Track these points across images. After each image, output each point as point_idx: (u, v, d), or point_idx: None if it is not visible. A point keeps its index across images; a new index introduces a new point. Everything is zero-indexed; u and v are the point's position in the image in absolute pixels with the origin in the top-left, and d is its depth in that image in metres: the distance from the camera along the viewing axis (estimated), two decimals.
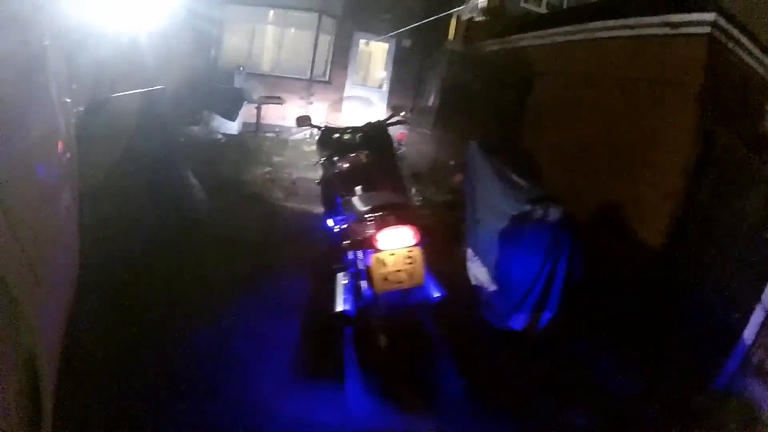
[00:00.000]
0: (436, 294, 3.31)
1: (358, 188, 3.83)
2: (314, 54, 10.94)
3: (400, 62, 11.43)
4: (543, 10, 10.18)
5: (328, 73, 11.32)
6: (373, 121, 4.78)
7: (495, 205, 4.57)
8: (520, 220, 4.14)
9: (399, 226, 3.08)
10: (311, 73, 11.09)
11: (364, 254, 3.19)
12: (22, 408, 1.15)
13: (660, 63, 5.04)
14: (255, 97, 10.45)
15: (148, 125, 6.18)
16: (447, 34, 10.27)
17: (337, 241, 3.91)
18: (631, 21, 5.49)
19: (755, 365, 3.79)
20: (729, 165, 4.54)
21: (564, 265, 3.97)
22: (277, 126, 11.00)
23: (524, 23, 8.57)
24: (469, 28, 9.78)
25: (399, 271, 3.07)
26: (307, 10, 10.91)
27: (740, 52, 5.17)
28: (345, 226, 3.78)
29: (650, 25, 5.24)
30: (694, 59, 4.69)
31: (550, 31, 7.12)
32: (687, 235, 4.71)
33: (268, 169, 7.80)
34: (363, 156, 4.29)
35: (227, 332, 3.32)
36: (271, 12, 11.13)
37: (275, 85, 11.00)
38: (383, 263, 3.05)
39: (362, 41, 11.37)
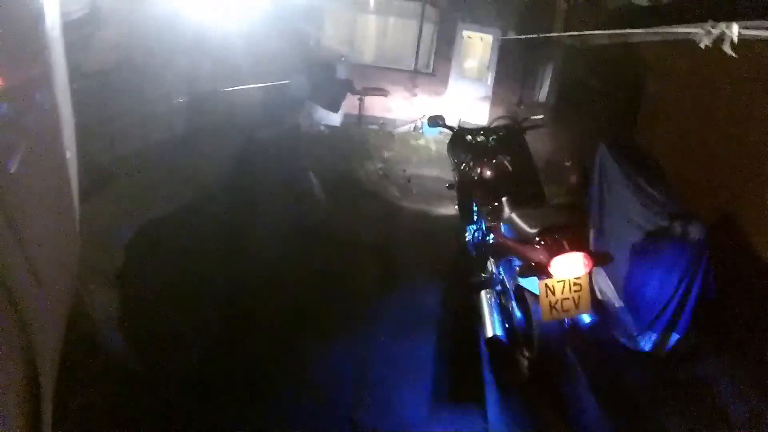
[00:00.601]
0: (588, 319, 3.22)
1: (504, 199, 3.74)
2: (418, 45, 10.83)
3: (504, 54, 11.10)
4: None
5: (431, 64, 11.17)
6: (507, 122, 4.69)
7: (631, 217, 4.35)
8: (657, 235, 3.96)
9: (573, 252, 2.87)
10: (415, 64, 10.99)
11: (538, 278, 2.96)
12: (22, 408, 1.17)
13: None
14: (358, 87, 10.51)
15: (262, 119, 6.41)
16: (553, 25, 9.89)
17: (477, 253, 3.89)
18: None
19: None
20: None
21: (699, 284, 3.81)
22: (381, 118, 11.05)
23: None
24: (574, 18, 9.37)
25: (566, 299, 2.90)
26: None
27: None
28: (490, 238, 3.75)
29: None
30: None
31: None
32: None
33: (380, 165, 7.80)
34: (506, 162, 4.17)
35: (362, 353, 3.36)
36: (373, 0, 11.11)
37: (378, 76, 11.02)
38: (552, 291, 2.88)
39: (466, 32, 11.12)
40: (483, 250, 4.03)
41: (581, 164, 5.59)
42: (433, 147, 9.45)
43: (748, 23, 3.03)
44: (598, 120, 7.28)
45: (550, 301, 2.87)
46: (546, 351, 3.05)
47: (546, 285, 2.86)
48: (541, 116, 4.67)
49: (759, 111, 4.70)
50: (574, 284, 2.90)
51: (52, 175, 1.55)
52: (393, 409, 2.92)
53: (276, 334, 3.34)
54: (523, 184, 4.02)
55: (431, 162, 8.35)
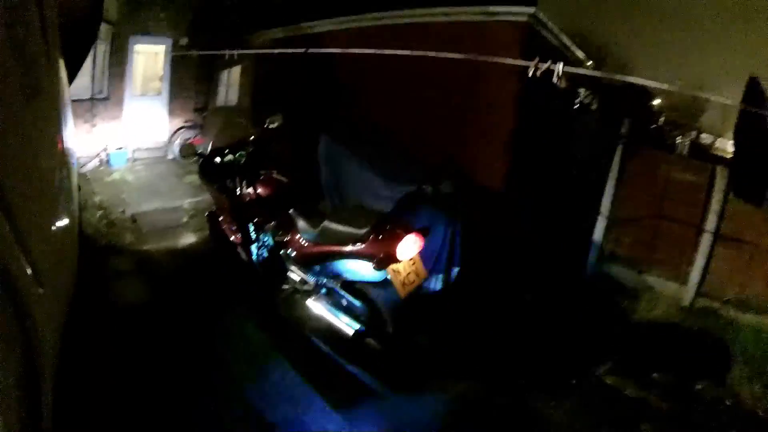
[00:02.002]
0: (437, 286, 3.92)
1: (291, 212, 4.09)
2: (93, 68, 10.02)
3: (179, 64, 10.99)
4: None
5: (105, 88, 10.40)
6: (253, 136, 4.78)
7: (378, 193, 5.21)
8: (411, 198, 4.89)
9: (409, 234, 3.41)
10: (92, 91, 10.12)
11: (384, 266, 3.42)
12: (22, 407, 1.19)
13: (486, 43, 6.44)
14: None
15: None
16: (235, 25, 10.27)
17: (266, 270, 4.17)
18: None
19: (605, 255, 6.33)
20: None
21: (459, 227, 4.92)
22: None
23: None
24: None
25: (409, 273, 3.49)
26: None
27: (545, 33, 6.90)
28: (290, 251, 4.04)
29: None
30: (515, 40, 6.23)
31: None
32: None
33: (99, 213, 7.02)
34: (278, 176, 4.49)
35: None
36: None
37: None
38: (398, 271, 3.43)
39: (137, 46, 10.62)
40: (276, 265, 4.26)
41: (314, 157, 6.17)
42: (131, 178, 9.07)
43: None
44: (306, 111, 7.97)
45: (401, 281, 3.46)
46: (399, 324, 3.62)
47: (394, 269, 3.44)
48: (279, 115, 4.86)
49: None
50: (410, 259, 3.53)
51: (53, 175, 1.54)
52: None
53: None
54: (300, 191, 4.44)
55: (141, 194, 8.03)
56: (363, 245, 3.48)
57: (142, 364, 3.43)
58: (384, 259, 3.40)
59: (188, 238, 6.17)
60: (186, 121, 11.16)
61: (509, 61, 4.74)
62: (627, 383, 4.38)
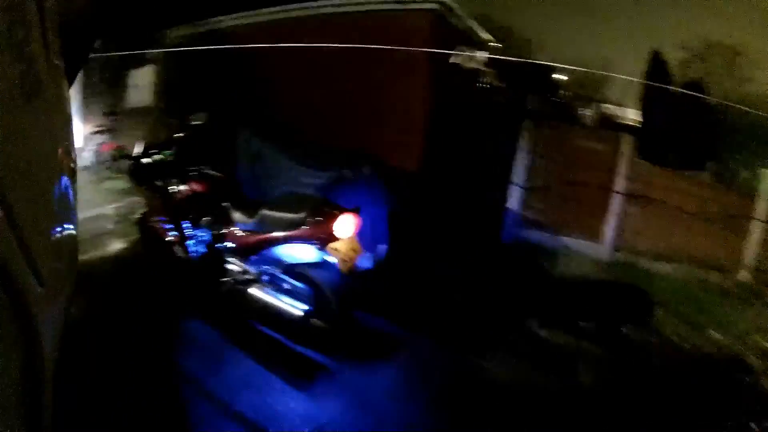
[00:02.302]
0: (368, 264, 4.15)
1: (226, 205, 4.24)
2: None
3: (86, 66, 10.71)
4: None
5: None
6: (178, 134, 4.79)
7: (300, 180, 5.49)
8: (332, 183, 5.25)
9: (345, 214, 3.71)
10: None
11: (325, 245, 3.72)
12: (22, 409, 1.19)
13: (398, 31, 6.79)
14: None
15: None
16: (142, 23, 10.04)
17: (206, 264, 4.28)
18: None
19: (521, 221, 7.16)
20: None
21: (383, 206, 5.22)
22: None
23: None
24: None
25: (347, 251, 3.73)
26: None
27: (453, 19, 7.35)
28: (228, 244, 4.19)
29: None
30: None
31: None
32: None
33: None
34: (209, 171, 4.57)
35: None
36: None
37: None
38: (338, 249, 3.68)
39: None
40: (215, 259, 4.34)
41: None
42: None
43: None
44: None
45: (342, 258, 3.71)
46: (342, 301, 3.84)
47: (334, 248, 3.70)
48: (202, 113, 4.88)
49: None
50: (348, 237, 3.78)
51: (53, 174, 1.54)
52: None
53: None
54: (233, 185, 4.60)
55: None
56: (303, 228, 3.72)
57: (95, 375, 3.44)
58: (325, 239, 3.69)
59: (118, 245, 6.09)
60: (97, 126, 10.85)
61: (439, 51, 5.03)
62: (558, 333, 4.86)
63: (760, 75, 16.53)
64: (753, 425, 4.04)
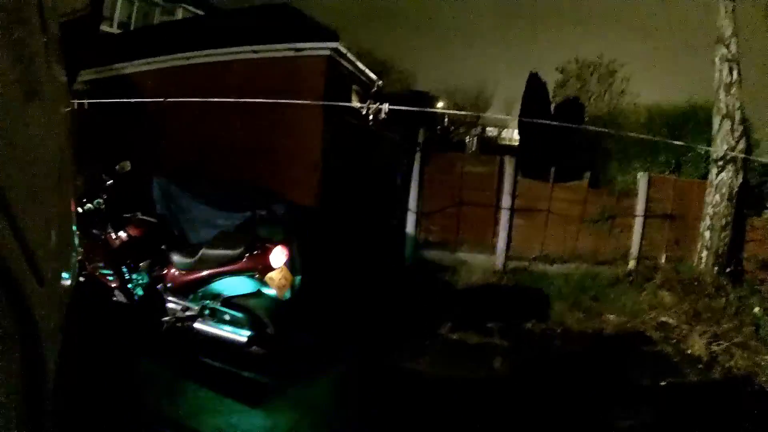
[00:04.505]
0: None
1: (163, 247, 4.62)
2: None
3: None
4: (114, 29, 10.68)
5: None
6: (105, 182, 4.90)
7: (214, 222, 5.93)
8: (249, 222, 5.78)
9: (277, 246, 4.22)
10: None
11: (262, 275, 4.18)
12: (22, 409, 1.19)
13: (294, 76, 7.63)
14: None
15: None
16: None
17: (146, 305, 4.58)
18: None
19: (420, 243, 8.02)
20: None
21: (296, 240, 5.71)
22: None
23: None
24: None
25: (281, 278, 4.22)
26: None
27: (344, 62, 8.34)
28: (168, 285, 4.52)
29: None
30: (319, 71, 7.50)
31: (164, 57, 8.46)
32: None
33: None
34: (144, 217, 4.92)
35: None
36: None
37: None
38: (273, 278, 4.17)
39: None
40: (155, 300, 4.63)
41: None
42: None
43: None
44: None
45: (278, 285, 4.21)
46: (277, 325, 4.30)
47: (269, 277, 4.18)
48: (127, 161, 5.06)
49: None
50: (280, 267, 4.27)
51: (53, 174, 1.56)
52: None
53: None
54: (167, 228, 4.99)
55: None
56: (242, 262, 4.22)
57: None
58: (262, 270, 4.19)
59: None
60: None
61: (347, 104, 5.69)
62: (468, 335, 5.62)
63: (633, 89, 19.03)
64: (662, 383, 5.00)
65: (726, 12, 8.08)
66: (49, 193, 1.44)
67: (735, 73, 8.04)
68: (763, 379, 5.23)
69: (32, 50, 1.31)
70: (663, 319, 6.58)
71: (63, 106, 1.81)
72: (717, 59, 8.16)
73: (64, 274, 1.75)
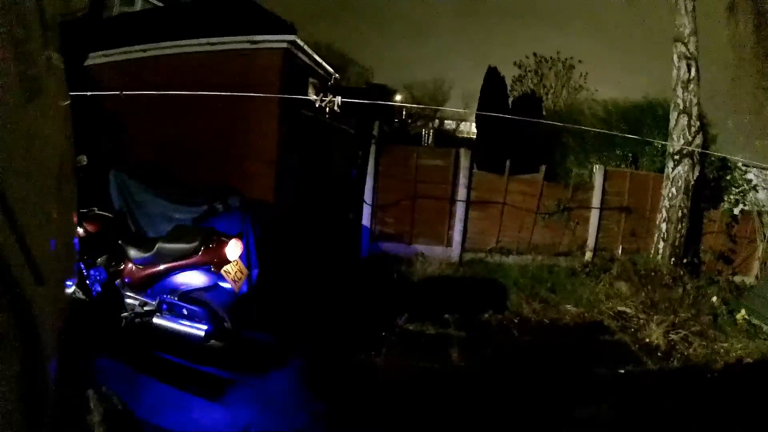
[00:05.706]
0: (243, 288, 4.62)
1: (120, 242, 4.56)
2: None
3: None
4: None
5: None
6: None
7: (170, 216, 5.88)
8: (205, 216, 5.73)
9: (231, 240, 4.29)
10: None
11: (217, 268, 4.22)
12: (22, 407, 1.21)
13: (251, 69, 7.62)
14: None
15: None
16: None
17: (104, 299, 4.55)
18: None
19: (376, 235, 8.16)
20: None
21: (252, 234, 5.64)
22: None
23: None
24: None
25: (237, 272, 4.32)
26: None
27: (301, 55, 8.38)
28: (126, 279, 4.52)
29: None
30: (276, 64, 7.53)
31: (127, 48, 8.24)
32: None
33: None
34: (100, 212, 4.89)
35: None
36: None
37: None
38: (228, 272, 4.24)
39: None
40: (113, 296, 4.63)
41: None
42: None
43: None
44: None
45: (233, 279, 4.29)
46: (233, 319, 4.33)
47: (225, 270, 4.24)
48: (83, 156, 4.88)
49: None
50: (235, 260, 4.35)
51: (53, 174, 1.58)
52: None
53: None
54: (125, 223, 5.00)
55: None
56: (198, 255, 4.27)
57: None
58: (218, 263, 4.24)
59: None
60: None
61: (301, 97, 5.58)
62: (425, 326, 5.73)
63: (591, 85, 19.50)
64: (620, 370, 5.11)
65: (686, 11, 8.36)
66: (49, 195, 1.50)
67: (693, 70, 8.33)
68: (721, 365, 5.42)
69: (32, 50, 1.36)
70: (620, 308, 6.77)
71: (62, 101, 1.81)
72: (675, 57, 8.45)
73: (65, 277, 1.77)
